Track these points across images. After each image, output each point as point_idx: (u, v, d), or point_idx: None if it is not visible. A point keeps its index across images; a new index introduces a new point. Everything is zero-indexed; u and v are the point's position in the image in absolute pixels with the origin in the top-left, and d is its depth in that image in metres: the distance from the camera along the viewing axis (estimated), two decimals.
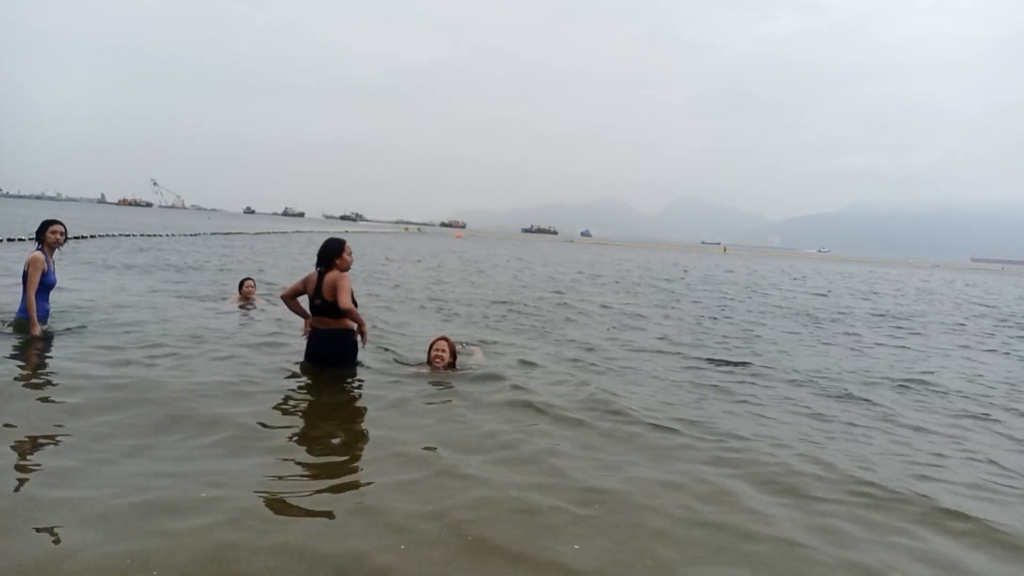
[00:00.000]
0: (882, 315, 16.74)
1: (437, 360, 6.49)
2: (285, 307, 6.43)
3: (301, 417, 4.95)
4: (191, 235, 34.57)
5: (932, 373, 8.74)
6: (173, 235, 32.85)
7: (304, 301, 6.21)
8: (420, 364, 6.69)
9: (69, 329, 7.07)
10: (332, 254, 5.91)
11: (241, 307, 10.33)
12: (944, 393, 7.50)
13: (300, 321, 6.40)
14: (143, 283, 12.64)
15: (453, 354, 6.64)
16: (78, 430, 4.21)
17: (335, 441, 4.50)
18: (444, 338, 6.73)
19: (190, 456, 3.97)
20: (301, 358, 6.32)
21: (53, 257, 6.53)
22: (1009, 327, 15.87)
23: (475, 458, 4.25)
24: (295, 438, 4.45)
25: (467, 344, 7.87)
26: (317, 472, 3.90)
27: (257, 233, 45.28)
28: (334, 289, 5.79)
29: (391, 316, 10.81)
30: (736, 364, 8.30)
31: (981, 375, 8.95)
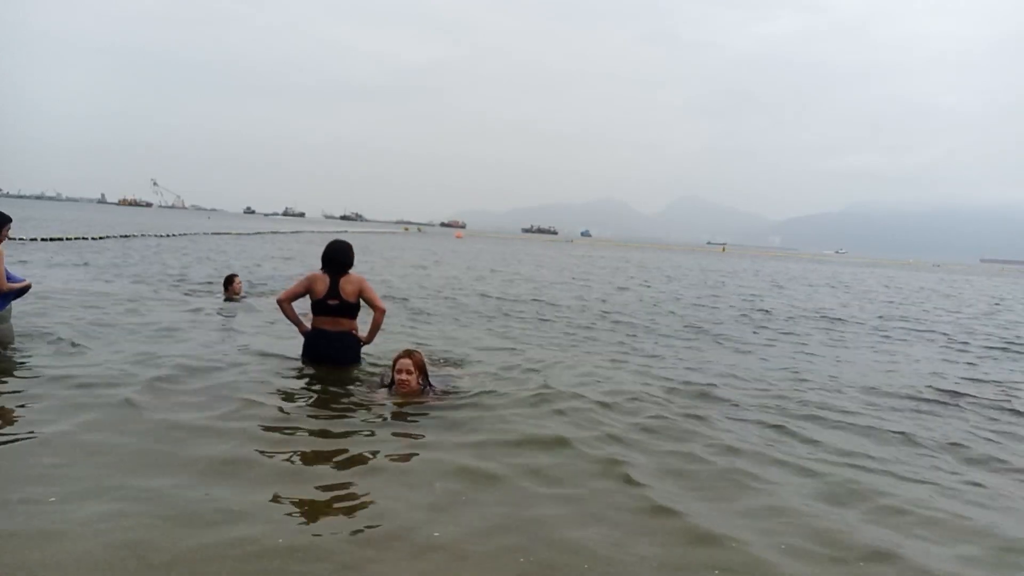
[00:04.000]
0: None
1: (403, 385, 5.28)
2: (275, 305, 6.40)
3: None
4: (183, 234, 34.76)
5: None
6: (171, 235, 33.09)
7: (298, 304, 6.15)
8: (381, 387, 5.54)
9: (56, 337, 6.84)
10: (348, 259, 5.99)
11: (228, 303, 10.27)
12: None
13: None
14: (123, 278, 12.92)
15: (423, 372, 5.44)
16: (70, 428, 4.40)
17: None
18: (409, 353, 5.43)
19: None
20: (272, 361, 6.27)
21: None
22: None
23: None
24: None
25: (443, 360, 6.98)
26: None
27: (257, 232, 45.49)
28: (357, 291, 5.90)
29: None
30: None
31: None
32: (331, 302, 5.87)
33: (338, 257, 5.93)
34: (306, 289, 5.97)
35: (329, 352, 6.01)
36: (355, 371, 6.07)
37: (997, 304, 23.72)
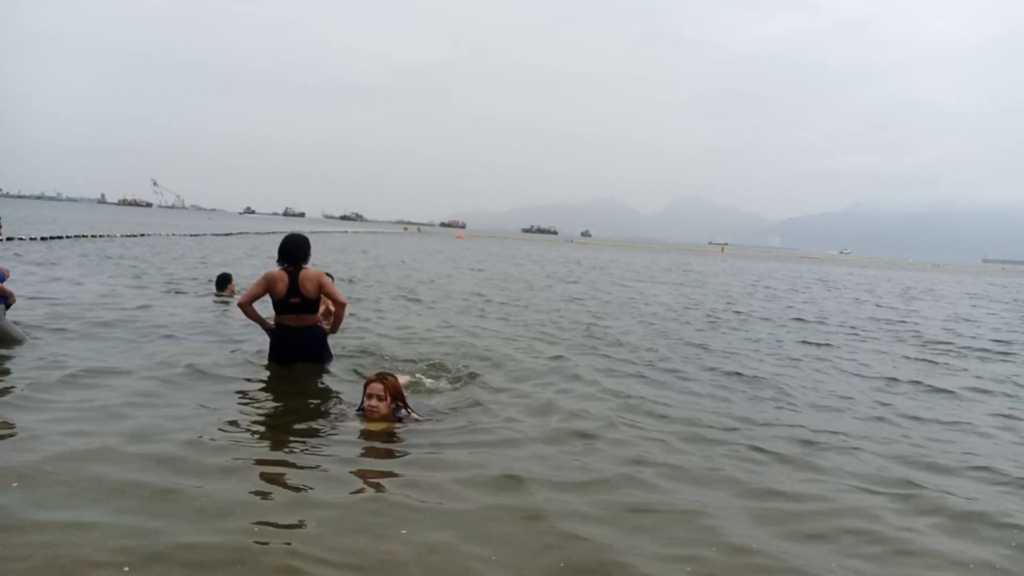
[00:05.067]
0: None
1: (372, 412, 4.77)
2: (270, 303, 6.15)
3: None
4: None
5: None
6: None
7: (259, 303, 6.04)
8: (350, 412, 5.02)
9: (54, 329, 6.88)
10: (305, 252, 6.00)
11: (221, 305, 10.02)
12: None
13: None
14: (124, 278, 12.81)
15: (399, 397, 4.89)
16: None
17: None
18: (382, 377, 4.92)
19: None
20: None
21: None
22: None
23: None
24: None
25: (422, 379, 6.26)
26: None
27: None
28: (316, 286, 5.90)
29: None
30: None
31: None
32: (292, 300, 5.87)
33: (295, 251, 5.94)
34: (265, 289, 5.91)
35: (296, 345, 6.02)
36: (326, 390, 5.71)
37: None
